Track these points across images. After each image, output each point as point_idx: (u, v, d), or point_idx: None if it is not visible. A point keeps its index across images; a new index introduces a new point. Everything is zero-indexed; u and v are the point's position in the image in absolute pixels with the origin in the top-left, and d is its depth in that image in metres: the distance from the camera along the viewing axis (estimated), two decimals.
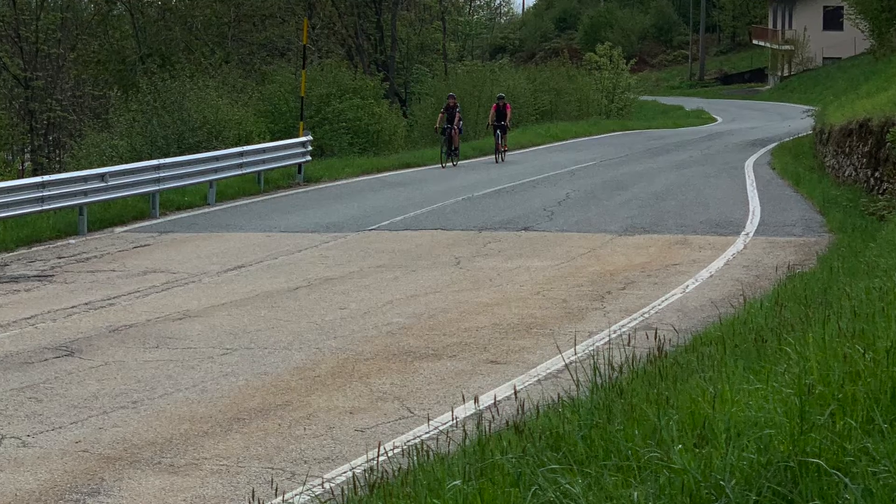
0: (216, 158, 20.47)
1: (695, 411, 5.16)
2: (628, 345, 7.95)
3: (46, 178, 16.95)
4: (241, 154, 21.13)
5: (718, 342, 7.56)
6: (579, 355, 7.83)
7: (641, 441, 4.90)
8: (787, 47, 63.32)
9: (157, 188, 18.60)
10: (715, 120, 48.58)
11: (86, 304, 11.56)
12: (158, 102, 26.23)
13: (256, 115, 29.67)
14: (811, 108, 31.95)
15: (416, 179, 23.49)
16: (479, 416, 6.16)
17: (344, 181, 23.31)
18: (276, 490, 5.87)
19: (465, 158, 27.68)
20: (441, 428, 6.86)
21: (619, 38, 65.12)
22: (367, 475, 5.33)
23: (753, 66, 71.48)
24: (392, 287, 12.10)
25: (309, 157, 23.46)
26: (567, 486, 4.53)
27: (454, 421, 6.47)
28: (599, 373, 6.48)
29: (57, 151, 37.90)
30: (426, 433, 6.85)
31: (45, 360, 9.25)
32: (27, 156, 39.41)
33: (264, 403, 7.93)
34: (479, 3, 66.39)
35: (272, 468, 6.62)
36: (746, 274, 12.43)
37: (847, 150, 19.93)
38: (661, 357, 6.76)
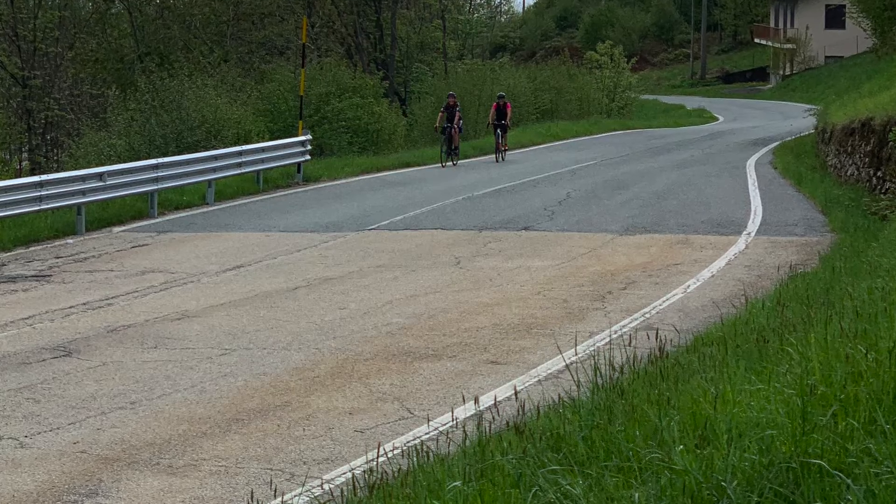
0: (215, 158, 20.44)
1: (696, 412, 5.13)
2: (629, 345, 7.92)
3: (44, 177, 16.92)
4: (239, 153, 21.10)
5: (720, 342, 7.53)
6: (580, 356, 7.81)
7: (642, 442, 4.87)
8: (789, 46, 63.32)
9: (156, 188, 18.56)
10: (716, 119, 48.58)
11: (84, 304, 11.52)
12: (157, 101, 26.20)
13: (255, 114, 29.66)
14: (813, 107, 31.93)
15: (416, 179, 23.46)
16: (479, 416, 6.13)
17: (343, 180, 23.28)
18: (276, 491, 5.85)
19: (465, 158, 27.65)
20: (441, 429, 6.83)
21: (619, 37, 65.11)
22: (366, 476, 5.30)
23: (755, 64, 71.48)
24: (392, 287, 12.07)
25: (308, 157, 23.43)
26: (568, 487, 4.51)
27: (454, 422, 6.44)
28: (600, 373, 6.45)
29: (55, 151, 37.88)
30: (426, 434, 6.83)
31: (43, 360, 9.21)
32: (25, 155, 39.38)
33: (263, 404, 7.89)
34: (479, 1, 66.37)
35: (271, 469, 6.59)
36: (748, 274, 12.39)
37: (849, 149, 19.89)
38: (663, 357, 6.73)
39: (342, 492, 5.64)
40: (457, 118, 26.20)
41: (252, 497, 5.54)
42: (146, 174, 18.41)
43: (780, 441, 4.45)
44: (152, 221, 17.95)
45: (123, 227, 17.36)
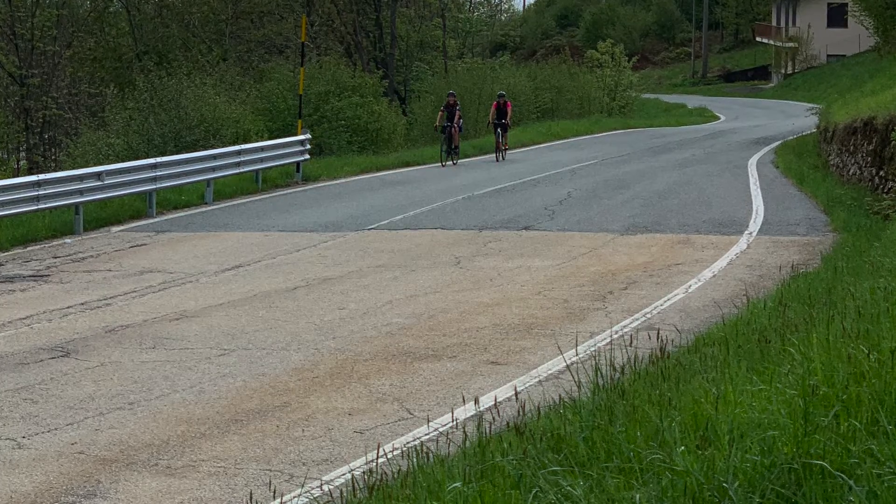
0: (213, 157, 20.40)
1: (697, 413, 5.11)
2: (630, 345, 7.90)
3: (42, 176, 16.88)
4: (238, 153, 21.06)
5: (721, 343, 7.50)
6: (581, 356, 7.79)
7: (643, 443, 4.85)
8: (791, 45, 63.29)
9: (154, 187, 18.53)
10: (718, 118, 48.53)
11: (82, 304, 11.49)
12: (155, 100, 26.16)
13: (254, 113, 29.61)
14: (815, 105, 31.90)
15: (416, 178, 23.43)
16: (479, 417, 6.12)
17: (343, 180, 23.25)
18: (275, 492, 5.84)
19: (466, 157, 27.61)
20: (441, 429, 6.81)
21: (620, 36, 65.06)
22: (366, 477, 5.29)
23: (757, 63, 71.44)
24: (391, 287, 12.03)
25: (307, 156, 23.39)
26: (568, 488, 4.49)
27: (454, 422, 6.42)
28: (601, 374, 6.42)
29: (53, 150, 37.87)
30: (426, 435, 6.80)
31: (41, 360, 9.18)
32: (23, 154, 39.35)
33: (262, 405, 7.86)
34: None
35: (270, 470, 6.56)
36: (750, 274, 12.36)
37: (851, 148, 19.85)
38: (664, 358, 6.71)
39: (341, 493, 5.62)
40: (457, 117, 26.16)
41: (251, 498, 5.52)
42: (144, 174, 18.37)
43: (782, 442, 4.44)
44: (150, 221, 17.91)
45: (122, 227, 17.33)
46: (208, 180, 19.92)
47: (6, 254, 15.12)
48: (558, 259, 13.54)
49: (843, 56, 59.07)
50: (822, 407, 4.69)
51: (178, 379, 8.52)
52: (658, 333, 7.10)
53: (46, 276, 13.32)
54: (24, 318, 10.83)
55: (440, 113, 26.71)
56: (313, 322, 10.39)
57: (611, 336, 8.79)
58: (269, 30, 41.30)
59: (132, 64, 38.46)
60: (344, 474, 6.27)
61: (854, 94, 26.59)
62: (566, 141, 34.00)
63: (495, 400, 6.64)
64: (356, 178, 23.63)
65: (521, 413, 5.74)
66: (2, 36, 38.00)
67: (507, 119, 27.34)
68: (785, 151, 27.21)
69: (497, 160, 27.03)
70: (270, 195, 20.96)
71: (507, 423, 6.00)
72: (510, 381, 8.22)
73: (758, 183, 21.14)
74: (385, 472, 5.30)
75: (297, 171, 23.04)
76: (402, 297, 11.44)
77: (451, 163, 26.13)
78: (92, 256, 14.69)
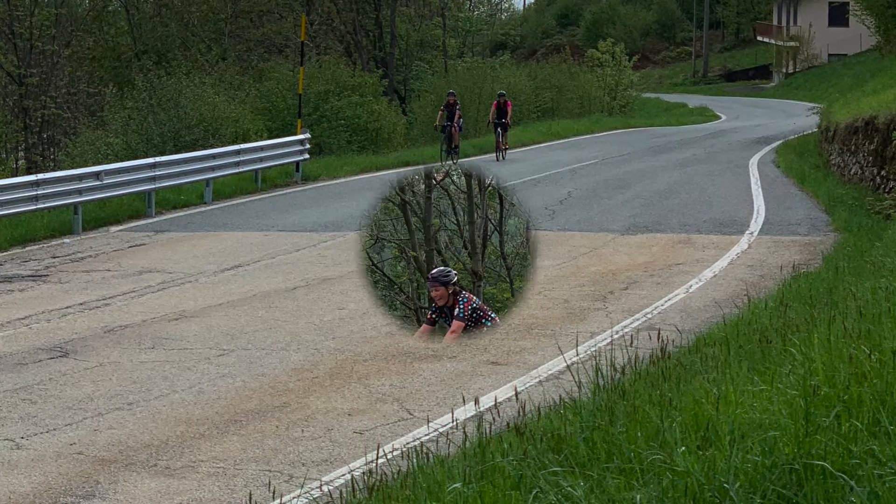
0: (213, 157, 20.36)
1: (698, 413, 5.10)
2: (631, 345, 7.87)
3: (41, 176, 16.85)
4: (238, 152, 21.03)
5: (722, 343, 7.48)
6: (581, 356, 7.78)
7: (644, 443, 4.83)
8: (792, 44, 63.26)
9: (153, 187, 18.49)
10: (719, 117, 48.50)
11: (81, 304, 11.46)
12: (154, 100, 26.14)
13: (254, 112, 29.59)
14: (816, 105, 31.84)
15: None
16: (479, 417, 6.10)
17: (342, 180, 23.22)
18: (274, 493, 5.83)
19: (466, 156, 27.58)
20: (441, 430, 6.80)
21: (621, 35, 64.98)
22: (365, 478, 5.27)
23: (758, 62, 71.41)
24: None
25: (307, 156, 23.35)
26: (569, 488, 4.47)
27: (454, 423, 6.40)
28: (601, 374, 6.39)
29: (51, 149, 37.82)
30: (426, 435, 6.79)
31: (39, 361, 9.16)
32: (21, 154, 39.29)
33: (262, 405, 7.84)
34: None
35: (270, 471, 6.55)
36: (751, 274, 12.35)
37: (853, 148, 19.83)
38: (664, 358, 6.69)
39: (341, 493, 5.61)
40: (457, 116, 26.12)
41: (250, 499, 5.49)
42: (143, 173, 18.33)
43: (783, 442, 4.43)
44: (150, 221, 17.88)
45: (120, 227, 17.30)
46: (207, 180, 19.88)
47: (5, 254, 15.09)
48: (558, 259, 13.52)
49: (845, 55, 59.03)
50: (823, 407, 4.68)
51: (177, 379, 8.50)
52: (659, 333, 7.09)
53: (45, 276, 13.30)
54: (22, 319, 10.81)
55: (440, 112, 26.66)
56: (313, 322, 10.37)
57: (611, 336, 8.77)
58: (269, 29, 41.28)
59: (131, 63, 38.44)
60: (343, 475, 6.26)
61: (855, 94, 26.57)
62: (566, 140, 33.97)
63: (495, 400, 6.62)
64: (356, 177, 23.61)
65: (521, 413, 5.72)
66: (0, 35, 37.95)
67: (508, 118, 27.30)
68: (786, 151, 27.18)
69: (497, 160, 27.00)
70: (270, 195, 20.94)
71: (508, 424, 5.97)
72: (510, 381, 8.20)
73: (759, 182, 21.12)
74: (385, 473, 5.29)
75: (297, 170, 23.01)
76: None
77: (451, 162, 26.06)
78: (91, 256, 14.66)
